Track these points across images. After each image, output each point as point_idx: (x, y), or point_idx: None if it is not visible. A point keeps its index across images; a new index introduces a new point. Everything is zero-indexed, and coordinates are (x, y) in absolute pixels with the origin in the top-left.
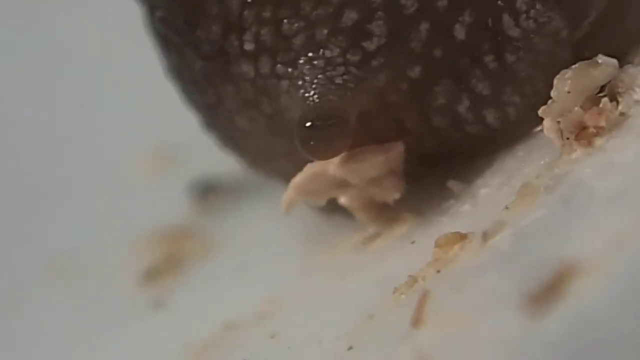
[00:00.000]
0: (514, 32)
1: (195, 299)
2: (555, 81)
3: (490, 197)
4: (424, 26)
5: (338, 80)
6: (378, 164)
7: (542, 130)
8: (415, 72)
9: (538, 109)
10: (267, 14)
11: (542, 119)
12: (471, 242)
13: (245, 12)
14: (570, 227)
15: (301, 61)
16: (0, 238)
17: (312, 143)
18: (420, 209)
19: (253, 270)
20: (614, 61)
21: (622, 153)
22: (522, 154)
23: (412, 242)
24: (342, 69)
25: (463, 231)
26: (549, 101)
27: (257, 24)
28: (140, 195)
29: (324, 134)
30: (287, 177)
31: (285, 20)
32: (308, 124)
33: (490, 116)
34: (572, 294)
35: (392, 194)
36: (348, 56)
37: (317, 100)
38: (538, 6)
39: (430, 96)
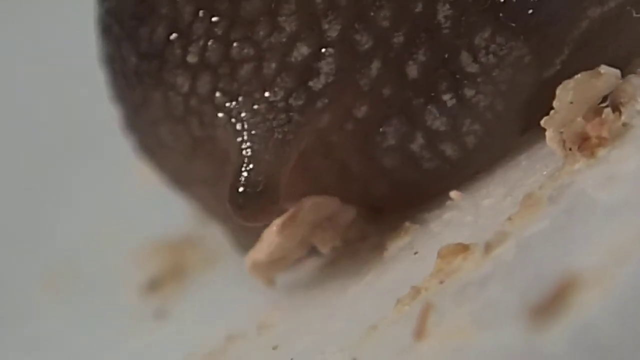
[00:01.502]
0: (472, 69)
1: (198, 309)
2: (557, 91)
3: (493, 208)
4: (375, 64)
5: (277, 134)
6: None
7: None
8: (362, 111)
9: (498, 133)
10: (218, 31)
11: (505, 144)
12: (474, 253)
13: (197, 23)
14: (573, 238)
15: (242, 99)
16: (1, 249)
17: (243, 211)
18: (423, 220)
19: (255, 280)
20: (616, 71)
21: (625, 164)
22: (525, 164)
23: (415, 253)
24: (283, 116)
25: (466, 242)
26: (551, 111)
27: (206, 38)
28: (142, 205)
29: (255, 202)
30: (204, 204)
31: (235, 43)
32: (241, 189)
33: (449, 149)
34: (575, 306)
35: (328, 245)
36: (291, 100)
37: (252, 158)
38: (498, 39)
39: (379, 137)
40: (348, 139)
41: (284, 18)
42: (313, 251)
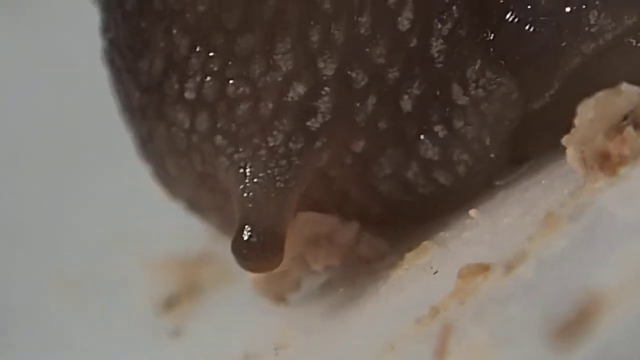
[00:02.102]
0: (463, 101)
1: (214, 327)
2: (578, 109)
3: (512, 227)
4: (371, 100)
5: (279, 183)
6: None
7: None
8: (359, 146)
9: (486, 161)
10: (214, 67)
11: (494, 171)
12: (494, 273)
13: (193, 58)
14: (594, 257)
15: (242, 144)
16: (19, 259)
17: (248, 262)
18: (442, 239)
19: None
20: (637, 89)
21: None
22: (545, 182)
23: (434, 272)
24: (284, 162)
25: (485, 261)
26: (572, 129)
27: (202, 74)
28: (158, 222)
29: (258, 254)
30: (218, 228)
31: (231, 81)
32: (245, 237)
33: (441, 177)
34: (597, 326)
35: (321, 263)
36: (291, 144)
37: (255, 210)
38: (488, 74)
39: (376, 167)
40: (347, 172)
41: (279, 56)
42: (327, 269)
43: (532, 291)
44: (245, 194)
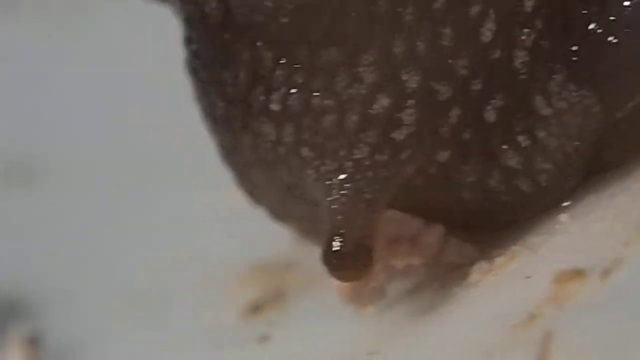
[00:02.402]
0: (546, 112)
1: (302, 333)
2: None
3: (604, 232)
4: (455, 112)
5: (367, 195)
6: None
7: None
8: (444, 156)
9: (568, 170)
10: (299, 79)
11: (576, 179)
12: (590, 278)
13: (278, 70)
14: None
15: (329, 156)
16: (98, 276)
17: (338, 271)
18: (532, 244)
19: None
20: None
21: None
22: (635, 187)
23: (526, 278)
24: (371, 174)
25: (580, 267)
26: None
27: (287, 86)
28: (241, 227)
29: (349, 264)
30: (304, 235)
31: (316, 94)
32: (335, 247)
33: (523, 185)
34: None
35: (404, 260)
36: (377, 156)
37: (345, 221)
38: (571, 86)
39: (459, 175)
40: (430, 181)
41: (363, 69)
42: (414, 274)
43: (632, 298)
44: (333, 206)
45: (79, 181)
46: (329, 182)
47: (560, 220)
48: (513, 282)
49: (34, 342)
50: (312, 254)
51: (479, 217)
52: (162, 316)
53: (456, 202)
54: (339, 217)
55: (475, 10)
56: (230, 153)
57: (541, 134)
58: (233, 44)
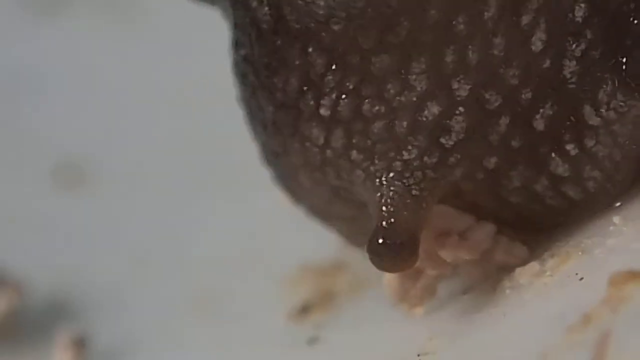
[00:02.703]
0: (595, 122)
1: (351, 335)
2: None
3: None
4: (504, 120)
5: (415, 191)
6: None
7: None
8: (492, 162)
9: (617, 178)
10: (350, 85)
11: (624, 187)
12: None
13: (329, 76)
14: None
15: (378, 158)
16: (151, 275)
17: (382, 260)
18: (585, 246)
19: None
20: None
21: None
22: None
23: (580, 279)
24: (419, 174)
25: (635, 269)
26: None
27: (338, 92)
28: (290, 229)
29: (395, 253)
30: (348, 237)
31: (367, 100)
32: (380, 240)
33: (571, 191)
34: None
35: (453, 253)
36: (425, 158)
37: (392, 214)
38: (619, 96)
39: (506, 180)
40: (478, 186)
41: (414, 77)
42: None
43: None
44: (382, 200)
45: (130, 182)
46: (378, 181)
47: (614, 222)
48: (567, 284)
49: (81, 344)
50: (362, 255)
51: (527, 219)
52: (212, 317)
53: (503, 205)
54: (385, 209)
55: (526, 19)
56: (280, 157)
57: (590, 143)
58: (284, 50)
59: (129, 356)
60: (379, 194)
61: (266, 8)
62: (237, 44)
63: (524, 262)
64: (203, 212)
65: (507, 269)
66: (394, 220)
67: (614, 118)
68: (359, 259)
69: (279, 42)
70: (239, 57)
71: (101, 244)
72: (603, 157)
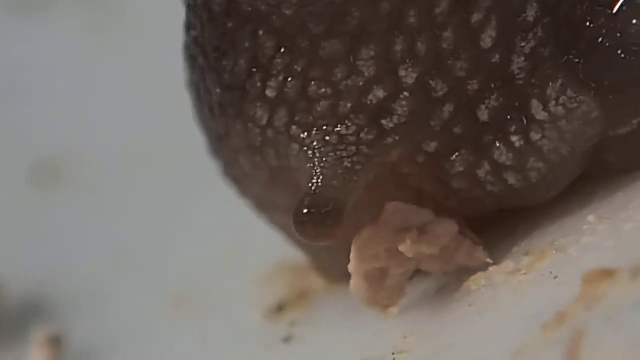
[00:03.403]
0: (542, 116)
1: (326, 332)
2: None
3: (636, 231)
4: (448, 107)
5: (346, 163)
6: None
7: None
8: (432, 146)
9: (561, 171)
10: (298, 68)
11: (569, 177)
12: (620, 279)
13: (277, 59)
14: None
15: (316, 131)
16: (127, 272)
17: (305, 228)
18: (560, 244)
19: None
20: None
21: None
22: None
23: (555, 277)
24: (353, 148)
25: (609, 267)
26: None
27: (285, 74)
28: (266, 229)
29: (319, 222)
30: (286, 232)
31: (313, 82)
32: (305, 210)
33: (512, 178)
34: None
35: (414, 249)
36: (362, 135)
37: (320, 182)
38: (569, 92)
39: (448, 165)
40: (420, 170)
41: (362, 62)
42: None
43: None
44: (312, 171)
45: (108, 180)
46: (312, 152)
47: (588, 220)
48: (542, 282)
49: (57, 342)
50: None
51: (470, 206)
52: (188, 315)
53: (446, 191)
54: (315, 180)
55: (477, 17)
56: (222, 140)
57: (535, 137)
58: (234, 32)
59: (105, 354)
60: (310, 165)
61: None
62: (188, 26)
63: (483, 266)
64: (180, 210)
65: (482, 269)
66: (322, 189)
67: (561, 114)
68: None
69: (229, 24)
70: (189, 39)
71: (79, 242)
72: (548, 150)
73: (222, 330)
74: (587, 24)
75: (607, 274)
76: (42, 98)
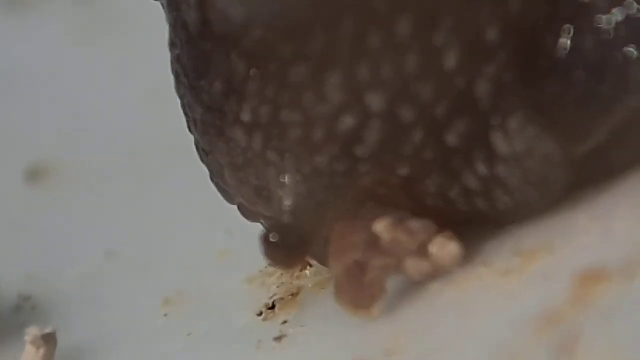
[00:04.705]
0: (505, 150)
1: (317, 331)
2: None
3: (628, 232)
4: (417, 134)
5: (319, 195)
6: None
7: None
8: (404, 171)
9: (529, 208)
10: (269, 93)
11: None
12: (614, 279)
13: (249, 83)
14: None
15: (289, 158)
16: (121, 271)
17: (270, 256)
18: (552, 245)
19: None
20: None
21: None
22: None
23: (547, 279)
24: (325, 180)
25: (602, 267)
26: None
27: (257, 99)
28: (257, 228)
29: (283, 253)
30: None
31: (284, 108)
32: (271, 238)
33: (480, 203)
34: None
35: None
36: (334, 165)
37: (290, 212)
38: (530, 130)
39: (422, 186)
40: (394, 191)
41: (329, 88)
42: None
43: None
44: (284, 201)
45: (100, 180)
46: (284, 180)
47: (580, 221)
48: (533, 283)
49: (51, 340)
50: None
51: (445, 219)
52: (180, 314)
53: (421, 208)
54: (286, 211)
55: (439, 39)
56: (208, 154)
57: (501, 171)
58: (210, 54)
59: (99, 353)
60: (282, 194)
61: (194, 12)
62: (171, 44)
63: (490, 263)
64: (173, 211)
65: (474, 269)
66: (291, 219)
67: (523, 150)
68: None
69: (205, 46)
70: (173, 56)
71: (72, 242)
72: (514, 188)
73: (214, 329)
74: (548, 46)
75: (598, 275)
76: (38, 98)
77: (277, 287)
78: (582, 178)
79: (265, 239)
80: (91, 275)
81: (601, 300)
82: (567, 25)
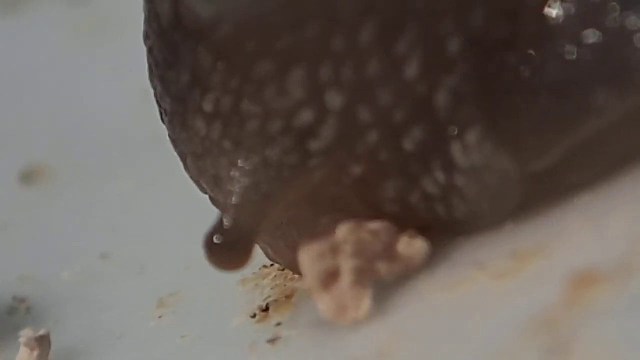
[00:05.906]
0: (462, 162)
1: (311, 333)
2: None
3: (623, 233)
4: (373, 135)
5: (264, 186)
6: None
7: None
8: (357, 170)
9: (486, 220)
10: (232, 85)
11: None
12: (608, 281)
13: (214, 75)
14: None
15: (243, 149)
16: (115, 274)
17: (214, 257)
18: (546, 246)
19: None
20: None
21: None
22: None
23: (541, 281)
24: (272, 171)
25: (597, 269)
26: None
27: (220, 90)
28: None
29: (227, 253)
30: None
31: (246, 99)
32: (215, 238)
33: (440, 210)
34: None
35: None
36: (285, 157)
37: (235, 207)
38: (487, 145)
39: (380, 190)
40: (348, 192)
41: (290, 85)
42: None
43: None
44: (230, 193)
45: (93, 181)
46: (234, 171)
47: (574, 222)
48: (527, 285)
49: (45, 342)
50: None
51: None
52: (174, 316)
53: (380, 215)
54: (231, 202)
55: (401, 48)
56: (176, 144)
57: (459, 180)
58: (179, 46)
59: (93, 355)
60: (229, 185)
61: (166, 4)
62: (145, 36)
63: (485, 266)
64: (167, 212)
65: (472, 271)
66: (235, 214)
67: (480, 164)
68: None
69: (175, 38)
70: (147, 48)
71: (67, 244)
72: (471, 201)
73: (208, 331)
74: (507, 61)
75: (592, 276)
76: (32, 100)
77: (271, 289)
78: (538, 194)
79: (208, 241)
80: (86, 277)
81: (595, 302)
82: (530, 45)
